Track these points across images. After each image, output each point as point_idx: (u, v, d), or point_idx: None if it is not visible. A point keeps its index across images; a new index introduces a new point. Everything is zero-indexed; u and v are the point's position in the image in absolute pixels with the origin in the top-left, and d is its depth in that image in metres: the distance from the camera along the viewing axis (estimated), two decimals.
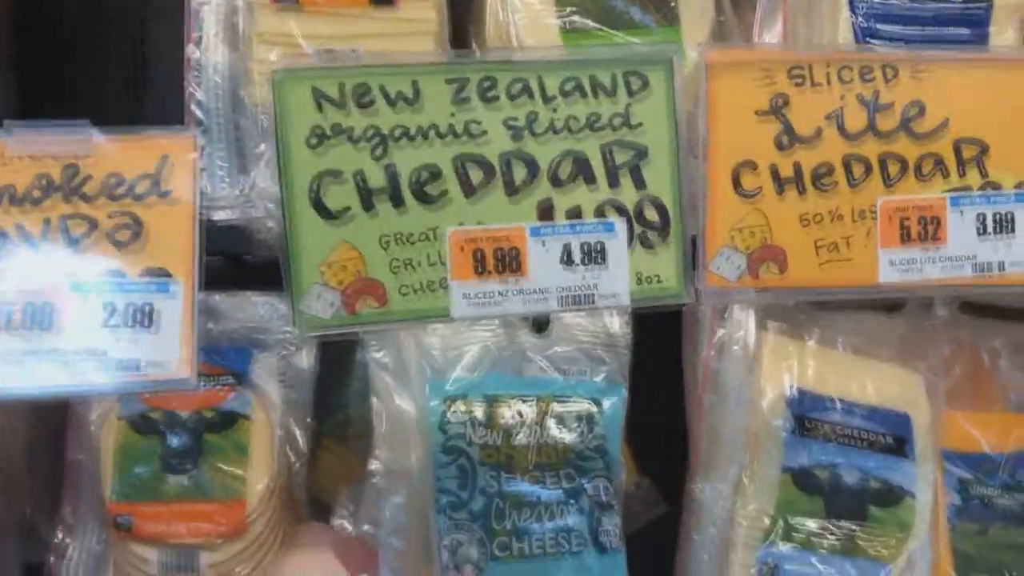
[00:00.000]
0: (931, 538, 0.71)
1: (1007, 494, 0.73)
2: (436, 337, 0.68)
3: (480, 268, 0.47)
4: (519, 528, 0.63)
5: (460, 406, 0.66)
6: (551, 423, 0.67)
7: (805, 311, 0.70)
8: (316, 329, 0.46)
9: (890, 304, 0.60)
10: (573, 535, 0.64)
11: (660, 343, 0.76)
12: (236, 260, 0.91)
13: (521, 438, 0.66)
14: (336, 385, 0.90)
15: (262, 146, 0.63)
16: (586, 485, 0.65)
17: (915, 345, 0.72)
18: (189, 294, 0.44)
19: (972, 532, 0.72)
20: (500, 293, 0.47)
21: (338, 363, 0.90)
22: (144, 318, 0.43)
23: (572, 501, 0.65)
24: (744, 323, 0.69)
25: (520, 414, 0.66)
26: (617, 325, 0.71)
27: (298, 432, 0.77)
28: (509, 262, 0.47)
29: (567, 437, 0.67)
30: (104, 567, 0.72)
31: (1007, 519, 0.72)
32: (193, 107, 0.64)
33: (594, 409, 0.67)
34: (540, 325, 0.54)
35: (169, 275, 0.44)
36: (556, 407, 0.67)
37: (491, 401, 0.66)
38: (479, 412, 0.66)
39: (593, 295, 0.48)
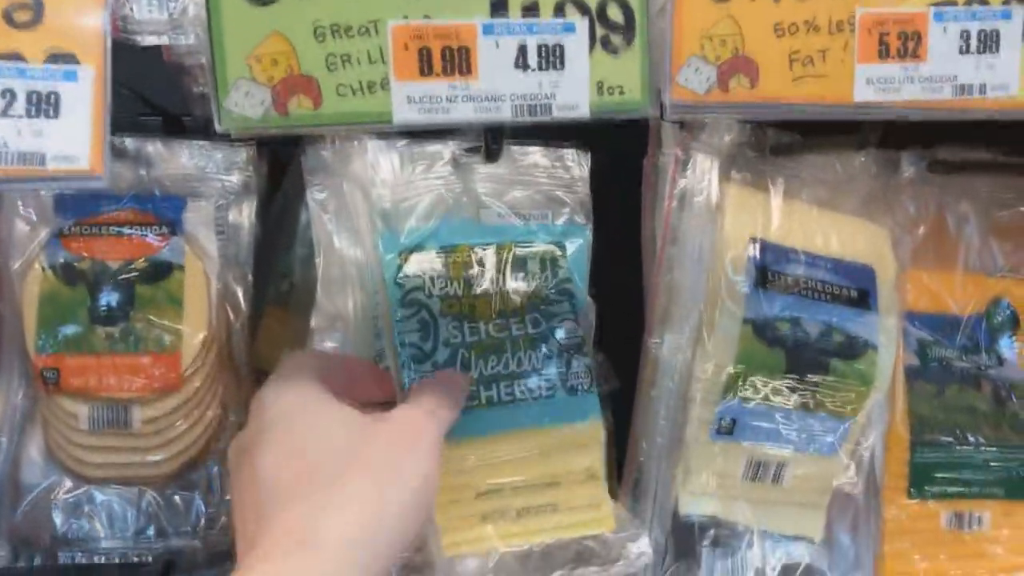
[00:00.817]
0: (888, 398, 0.70)
1: (965, 356, 0.72)
2: (386, 189, 0.64)
3: (426, 68, 0.42)
4: (486, 376, 0.61)
5: (416, 258, 0.63)
6: (513, 269, 0.64)
7: (770, 161, 0.67)
8: (244, 129, 0.41)
9: (859, 144, 0.57)
10: (543, 379, 0.62)
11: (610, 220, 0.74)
12: (175, 121, 0.86)
13: (483, 287, 0.63)
14: (279, 251, 0.87)
15: None
16: (553, 329, 0.63)
17: (882, 200, 0.70)
18: (99, 82, 0.39)
19: (929, 393, 0.71)
20: (448, 98, 0.43)
21: (281, 228, 0.87)
22: (49, 108, 0.39)
23: (540, 346, 0.62)
24: (707, 173, 0.66)
25: (480, 262, 0.63)
26: (575, 168, 0.67)
27: (238, 289, 0.73)
28: (459, 63, 0.43)
29: (530, 282, 0.64)
30: (32, 423, 0.68)
31: (963, 380, 0.72)
32: None
33: (557, 252, 0.65)
34: (491, 152, 0.50)
35: (76, 61, 0.39)
36: (517, 252, 0.64)
37: (449, 251, 0.63)
38: (437, 263, 0.63)
39: (550, 104, 0.44)
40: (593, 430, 0.62)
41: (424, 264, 0.62)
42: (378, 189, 0.64)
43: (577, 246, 0.65)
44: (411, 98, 0.43)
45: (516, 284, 0.63)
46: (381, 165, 0.63)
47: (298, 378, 0.54)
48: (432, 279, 0.62)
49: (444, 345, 0.60)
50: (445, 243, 0.63)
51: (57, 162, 0.38)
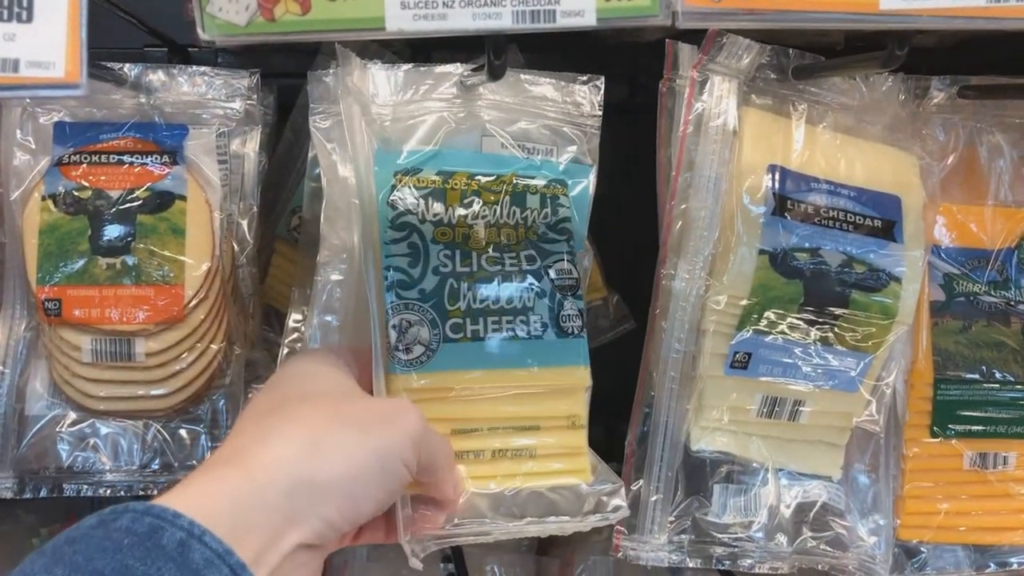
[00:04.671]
0: (911, 333, 0.67)
1: (994, 291, 0.69)
2: (387, 108, 0.62)
3: None
4: (475, 310, 0.58)
5: (411, 180, 0.60)
6: (512, 202, 0.61)
7: (791, 84, 0.64)
8: (229, 37, 0.39)
9: (884, 62, 0.54)
10: (533, 318, 0.59)
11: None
12: (180, 51, 0.84)
13: (478, 217, 0.60)
14: (288, 186, 0.85)
15: None
16: (548, 268, 0.60)
17: (910, 127, 0.67)
18: None
19: (954, 329, 0.68)
20: (445, 3, 0.41)
21: (290, 162, 0.85)
22: (22, 11, 0.37)
23: (533, 283, 0.60)
24: (725, 96, 0.63)
25: (478, 192, 0.60)
26: (587, 103, 0.65)
27: (242, 222, 0.71)
28: None
29: (529, 217, 0.61)
30: (36, 355, 0.67)
31: (991, 316, 0.69)
32: None
33: (559, 189, 0.62)
34: (494, 69, 0.47)
35: None
36: (518, 185, 0.61)
37: (447, 177, 0.60)
38: (433, 188, 0.60)
39: (554, 11, 0.41)
40: (580, 376, 0.60)
41: (420, 188, 0.60)
42: (378, 107, 0.61)
43: (580, 187, 0.63)
44: (405, 3, 0.40)
45: (514, 218, 0.60)
46: (383, 84, 0.60)
47: (324, 350, 0.57)
48: (427, 204, 0.59)
49: (433, 273, 0.58)
50: (444, 168, 0.60)
51: (31, 69, 0.36)
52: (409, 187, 0.60)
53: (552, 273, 0.60)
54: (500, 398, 0.58)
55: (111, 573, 0.38)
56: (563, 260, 0.61)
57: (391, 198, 0.59)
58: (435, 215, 0.60)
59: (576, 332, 0.60)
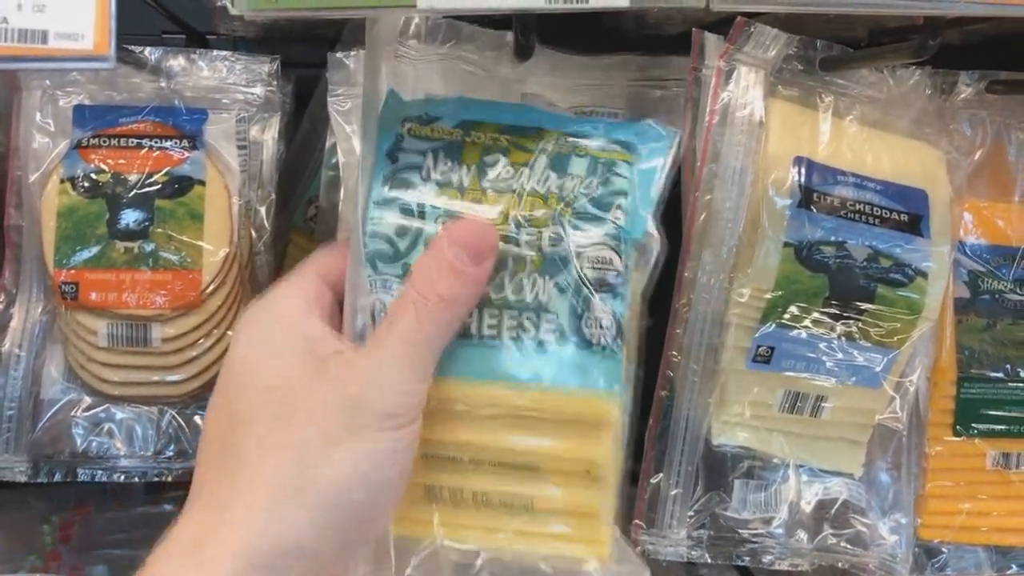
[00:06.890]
0: (936, 330, 0.66)
1: (1020, 289, 0.68)
2: (414, 50, 0.53)
3: None
4: None
5: (423, 130, 0.47)
6: (549, 165, 0.47)
7: (818, 76, 0.63)
8: (259, 11, 0.39)
9: (917, 51, 0.53)
10: (546, 318, 0.45)
11: None
12: (199, 38, 0.84)
13: (499, 181, 0.46)
14: (305, 175, 0.85)
15: None
16: (579, 253, 0.46)
17: (937, 121, 0.66)
18: None
19: (978, 327, 0.68)
20: None
21: (307, 151, 0.84)
22: None
23: (552, 272, 0.46)
24: (751, 87, 0.62)
25: (506, 150, 0.47)
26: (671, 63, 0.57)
27: (261, 209, 0.71)
28: None
29: (567, 186, 0.46)
30: (52, 339, 0.67)
31: (1017, 314, 0.68)
32: None
33: (619, 154, 0.48)
34: (523, 49, 0.46)
35: None
36: (563, 144, 0.47)
37: (468, 128, 0.47)
38: (447, 140, 0.47)
39: None
40: (606, 406, 0.45)
41: (431, 139, 0.47)
42: (404, 48, 0.52)
43: (653, 153, 0.49)
44: None
45: (546, 185, 0.47)
46: (414, 31, 0.52)
47: (275, 300, 0.46)
48: (435, 158, 0.47)
49: (425, 244, 0.45)
50: (468, 119, 0.48)
51: (60, 40, 0.36)
52: (418, 138, 0.47)
53: (583, 261, 0.46)
54: (490, 420, 0.45)
55: None
56: (604, 247, 0.46)
57: (393, 150, 0.47)
58: (444, 173, 0.47)
59: (605, 343, 0.45)
